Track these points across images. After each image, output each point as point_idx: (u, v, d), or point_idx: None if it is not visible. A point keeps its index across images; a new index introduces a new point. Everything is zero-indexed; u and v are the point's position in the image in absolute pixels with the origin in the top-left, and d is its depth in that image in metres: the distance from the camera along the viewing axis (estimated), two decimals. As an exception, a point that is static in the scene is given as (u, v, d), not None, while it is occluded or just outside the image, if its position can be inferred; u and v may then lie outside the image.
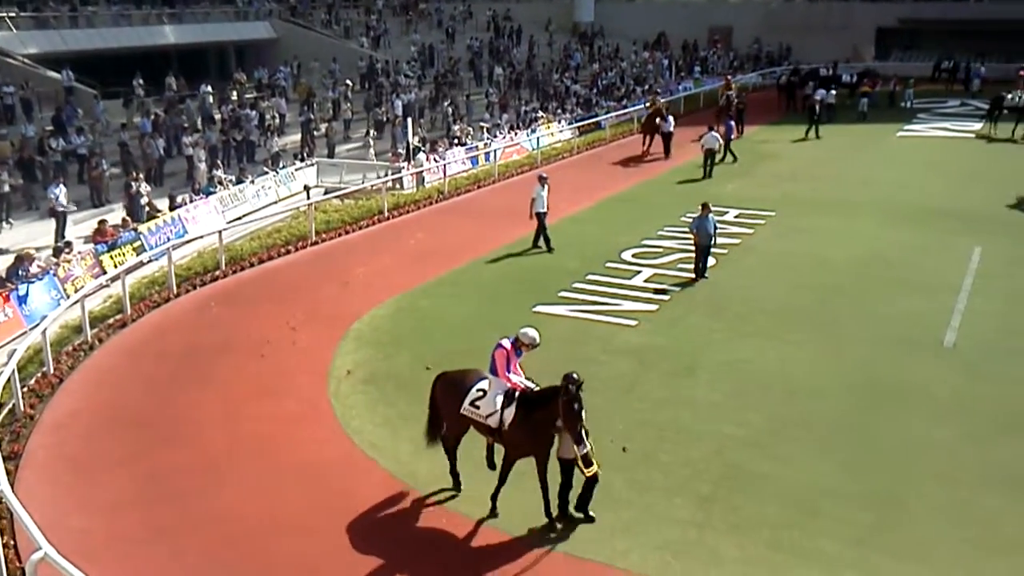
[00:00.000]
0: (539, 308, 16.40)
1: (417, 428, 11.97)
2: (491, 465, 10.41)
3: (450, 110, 33.46)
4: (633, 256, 19.40)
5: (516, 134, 32.39)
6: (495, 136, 31.60)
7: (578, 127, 34.63)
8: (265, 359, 14.39)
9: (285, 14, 40.94)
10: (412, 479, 10.78)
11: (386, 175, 25.59)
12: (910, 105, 39.12)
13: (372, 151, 28.71)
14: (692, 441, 11.63)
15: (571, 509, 9.87)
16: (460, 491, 10.40)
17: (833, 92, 37.06)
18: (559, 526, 9.75)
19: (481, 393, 9.94)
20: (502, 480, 9.97)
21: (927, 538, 9.42)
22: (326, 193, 24.87)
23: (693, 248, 17.85)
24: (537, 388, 9.81)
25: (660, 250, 19.75)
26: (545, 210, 19.72)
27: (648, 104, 33.70)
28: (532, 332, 10.07)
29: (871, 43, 49.29)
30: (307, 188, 25.61)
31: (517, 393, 9.75)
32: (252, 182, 24.45)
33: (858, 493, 10.36)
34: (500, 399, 9.75)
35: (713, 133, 27.37)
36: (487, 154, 29.40)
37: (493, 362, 9.99)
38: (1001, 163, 28.32)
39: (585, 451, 9.30)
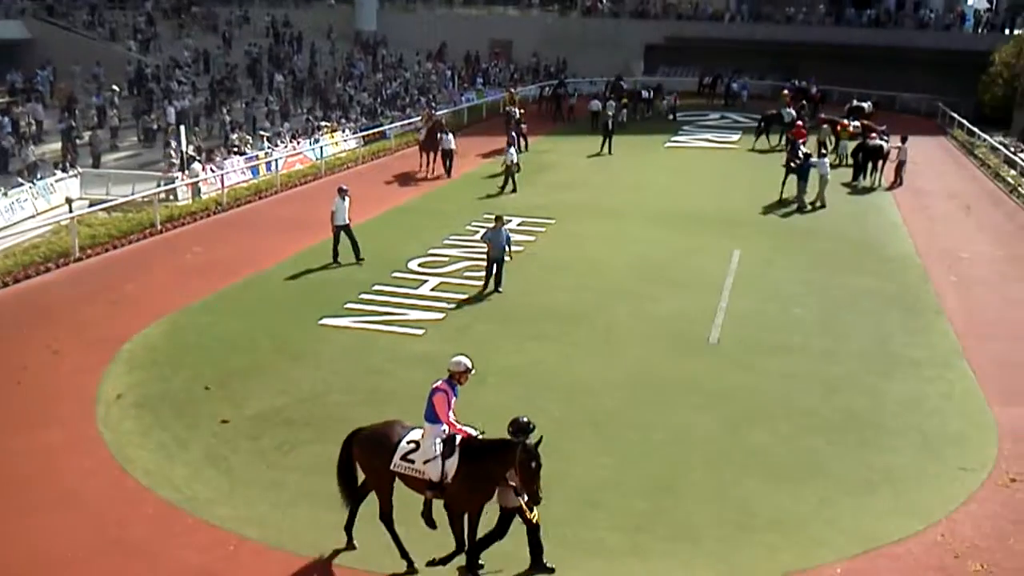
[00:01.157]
0: (325, 320, 16.13)
1: (197, 450, 11.53)
2: (430, 523, 9.29)
3: (228, 118, 32.25)
4: (420, 265, 19.48)
5: (299, 143, 31.70)
6: (276, 145, 30.79)
7: (363, 136, 34.38)
8: (22, 386, 13.26)
9: (41, 13, 37.97)
10: (191, 504, 10.29)
11: (158, 186, 24.28)
12: (674, 117, 41.60)
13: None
14: (480, 446, 11.80)
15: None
16: (415, 572, 9.22)
17: (613, 104, 38.93)
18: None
19: (413, 445, 8.99)
20: (464, 544, 8.98)
21: (695, 521, 10.05)
22: (91, 206, 23.24)
23: (485, 259, 17.96)
24: (481, 435, 9.05)
25: (446, 259, 19.95)
26: (346, 222, 19.37)
27: (424, 119, 32.39)
28: (462, 359, 9.20)
29: (640, 59, 52.18)
30: (69, 201, 23.82)
31: (458, 441, 8.92)
32: (5, 194, 22.48)
33: (635, 484, 10.92)
34: (439, 448, 8.88)
35: (513, 150, 27.30)
36: (268, 164, 28.58)
37: (431, 407, 9.01)
38: (757, 171, 30.78)
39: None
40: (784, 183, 25.63)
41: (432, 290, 18.00)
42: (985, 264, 20.37)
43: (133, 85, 34.34)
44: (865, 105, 36.41)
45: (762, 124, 34.55)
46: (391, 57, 47.91)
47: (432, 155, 29.00)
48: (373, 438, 9.29)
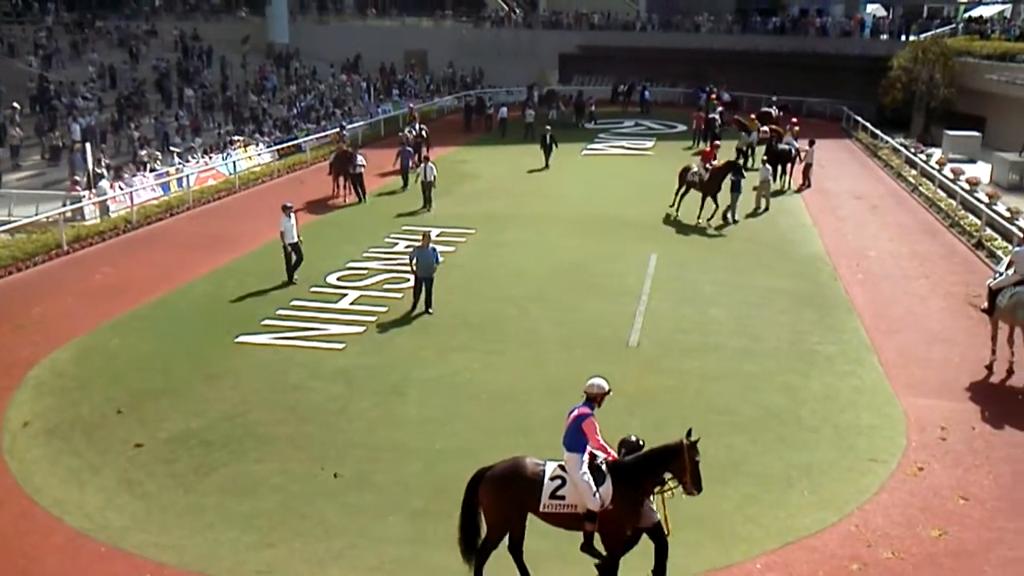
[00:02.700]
0: (242, 338, 15.84)
1: (110, 476, 11.19)
2: (596, 554, 8.85)
3: (136, 134, 31.40)
4: (339, 279, 19.27)
5: (211, 158, 31.06)
6: (188, 160, 30.10)
7: (277, 150, 33.88)
8: (-79, 418, 12.67)
9: (-68, 29, 36.51)
10: (104, 533, 9.97)
11: (64, 205, 23.49)
12: (593, 124, 42.10)
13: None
14: (405, 458, 11.75)
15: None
16: None
17: (532, 113, 39.37)
18: None
19: (559, 481, 8.51)
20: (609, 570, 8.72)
21: None
22: (-8, 227, 22.37)
23: (406, 270, 17.79)
24: (623, 455, 8.75)
25: (366, 272, 19.79)
26: (296, 240, 18.98)
27: (334, 140, 31.45)
28: (601, 381, 8.85)
29: (555, 68, 52.69)
30: (-32, 222, 22.88)
31: (604, 465, 8.61)
32: (-101, 219, 21.50)
33: (560, 490, 10.95)
34: (589, 477, 8.48)
35: (431, 164, 26.31)
36: (180, 180, 27.94)
37: (578, 434, 8.56)
38: (673, 176, 31.28)
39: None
40: (680, 197, 25.26)
41: (352, 303, 17.82)
42: (890, 261, 21.10)
43: (35, 102, 33.20)
44: (772, 110, 37.48)
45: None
46: (304, 69, 47.34)
47: (343, 180, 27.40)
48: (508, 481, 8.60)
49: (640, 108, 46.58)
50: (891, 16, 52.93)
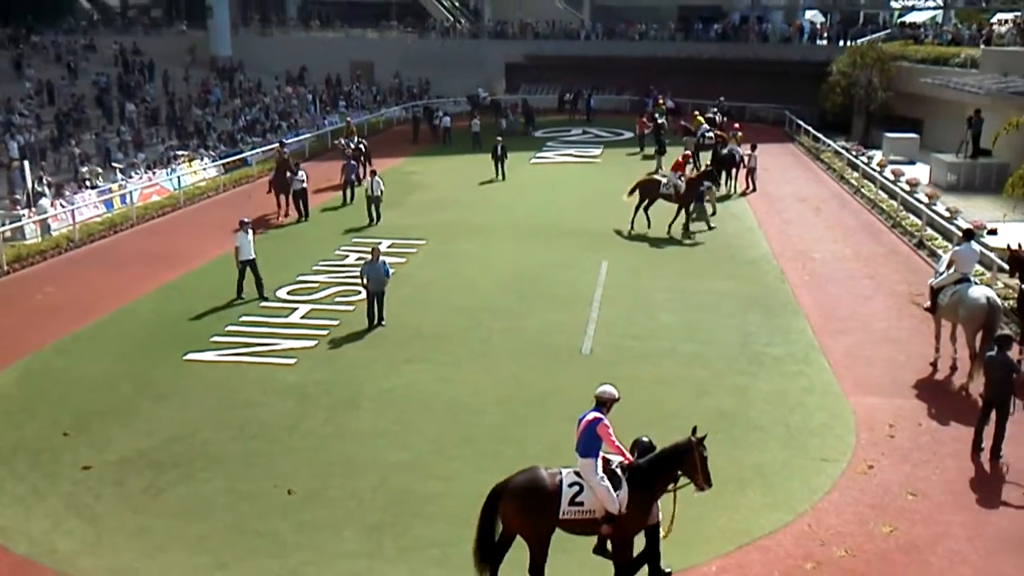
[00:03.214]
0: (190, 356, 15.60)
1: (56, 500, 10.94)
2: (608, 555, 9.17)
3: (77, 150, 30.77)
4: (289, 293, 19.08)
5: (155, 173, 30.56)
6: (131, 176, 29.58)
7: (223, 164, 33.45)
8: None
9: None
10: (52, 558, 9.74)
11: (2, 224, 22.93)
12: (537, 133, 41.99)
13: None
14: (358, 473, 11.66)
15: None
16: None
17: (478, 122, 39.48)
18: None
19: (577, 488, 8.67)
20: (632, 568, 9.03)
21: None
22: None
23: (357, 283, 17.62)
24: (636, 457, 8.99)
25: (316, 285, 19.63)
26: (251, 256, 18.65)
27: (275, 155, 29.31)
28: (611, 388, 9.11)
29: (502, 77, 52.83)
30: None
31: (619, 469, 8.83)
32: None
33: (516, 500, 10.95)
34: (607, 481, 8.67)
35: (377, 179, 25.59)
36: (123, 196, 27.43)
37: (593, 439, 8.75)
38: (621, 183, 31.55)
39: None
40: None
41: (303, 317, 17.66)
42: (835, 263, 21.50)
43: (-30, 119, 32.37)
44: (716, 115, 38.02)
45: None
46: (249, 82, 46.86)
47: (284, 197, 26.40)
48: (528, 492, 8.66)
49: (586, 116, 46.91)
50: (829, 22, 54.03)
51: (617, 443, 8.89)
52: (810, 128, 39.46)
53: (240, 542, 10.11)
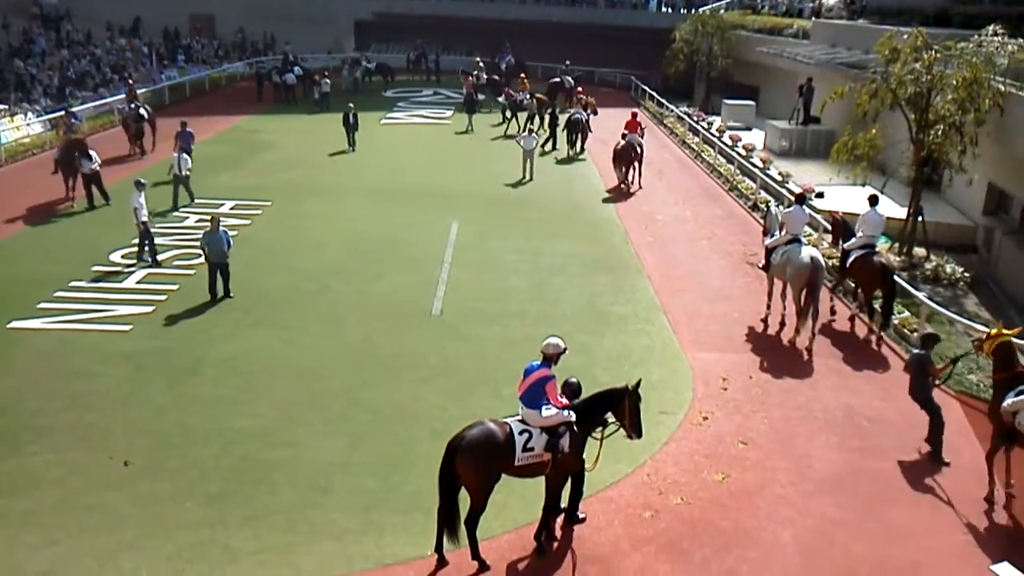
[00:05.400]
0: (15, 324, 14.67)
1: None
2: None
3: None
4: (124, 256, 18.16)
5: (-29, 129, 28.29)
6: (-56, 132, 27.29)
7: (49, 120, 31.26)
8: None
9: None
10: None
11: None
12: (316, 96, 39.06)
13: None
14: (200, 442, 11.32)
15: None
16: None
17: (327, 81, 38.24)
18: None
19: (528, 435, 9.10)
20: (558, 506, 9.58)
21: (425, 493, 9.93)
22: None
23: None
24: (572, 401, 9.43)
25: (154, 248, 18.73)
26: (146, 219, 17.67)
27: (59, 128, 25.62)
28: (557, 340, 9.44)
29: (351, 35, 51.58)
30: None
31: (568, 413, 9.25)
32: None
33: (364, 463, 10.95)
34: (553, 410, 9.20)
35: (185, 155, 22.30)
36: (-66, 153, 25.24)
37: (541, 394, 9.14)
38: (471, 145, 31.60)
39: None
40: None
41: (139, 282, 16.88)
42: (676, 224, 22.29)
43: None
44: (567, 80, 38.48)
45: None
46: (78, 33, 43.87)
47: (73, 180, 22.02)
48: (484, 445, 8.93)
49: (435, 77, 46.48)
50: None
51: (560, 399, 9.33)
52: (654, 93, 40.53)
53: (71, 517, 9.65)
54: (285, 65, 41.41)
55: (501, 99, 34.95)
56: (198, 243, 16.81)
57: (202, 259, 16.78)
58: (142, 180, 18.37)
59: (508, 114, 34.03)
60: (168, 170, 22.32)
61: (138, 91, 30.78)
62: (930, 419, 11.67)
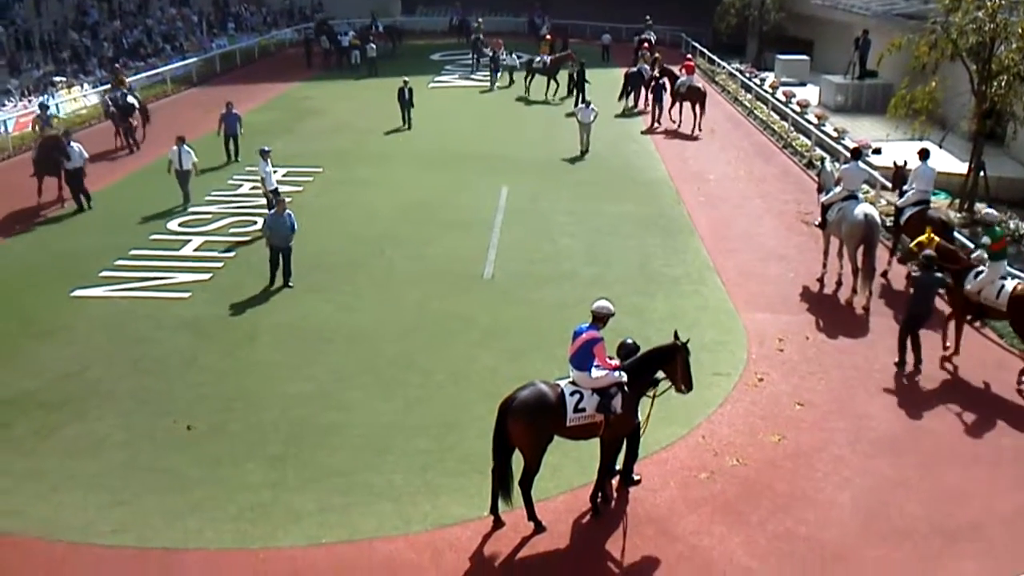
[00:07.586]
0: (78, 292, 15.03)
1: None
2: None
3: (-60, 78, 28.77)
4: (180, 225, 18.47)
5: (31, 101, 28.83)
6: (4, 104, 27.86)
7: (103, 91, 31.72)
8: None
9: None
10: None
11: None
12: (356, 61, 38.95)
13: None
14: (259, 406, 11.53)
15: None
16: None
17: (375, 47, 38.26)
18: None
19: (578, 396, 9.04)
20: (613, 468, 9.63)
21: (480, 454, 9.86)
22: None
23: (268, 250, 15.41)
24: (623, 361, 9.33)
25: (209, 216, 19.03)
26: (275, 187, 18.13)
27: (34, 125, 22.73)
28: (606, 304, 9.33)
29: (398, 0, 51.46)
30: None
31: (619, 374, 9.17)
32: None
33: (419, 425, 11.05)
34: (603, 371, 9.12)
35: (187, 147, 19.72)
36: (-4, 125, 25.71)
37: (589, 356, 9.03)
38: (518, 109, 31.41)
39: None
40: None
41: (196, 250, 17.17)
42: (728, 184, 21.96)
43: None
44: (649, 36, 38.13)
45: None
46: (130, 3, 44.36)
47: (58, 180, 19.71)
48: (536, 406, 8.90)
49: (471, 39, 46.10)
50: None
51: (608, 360, 9.20)
52: (705, 50, 39.78)
53: (137, 479, 9.92)
54: (319, 32, 41.38)
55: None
56: (252, 212, 16.96)
57: (257, 225, 16.96)
58: (266, 148, 18.64)
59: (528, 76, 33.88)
60: (168, 167, 19.82)
61: (125, 77, 28.00)
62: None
